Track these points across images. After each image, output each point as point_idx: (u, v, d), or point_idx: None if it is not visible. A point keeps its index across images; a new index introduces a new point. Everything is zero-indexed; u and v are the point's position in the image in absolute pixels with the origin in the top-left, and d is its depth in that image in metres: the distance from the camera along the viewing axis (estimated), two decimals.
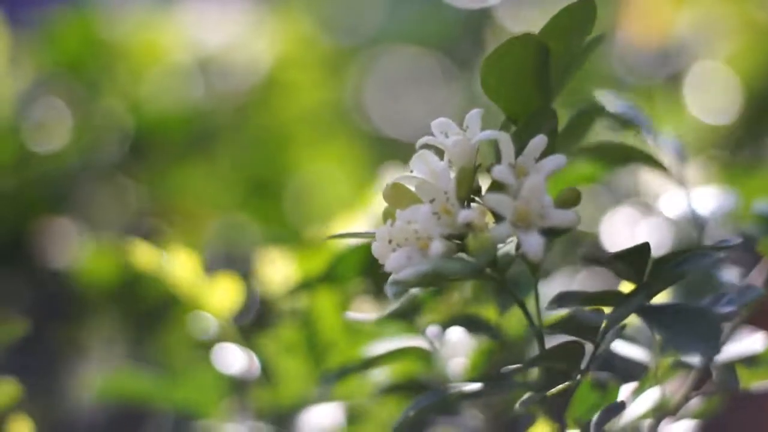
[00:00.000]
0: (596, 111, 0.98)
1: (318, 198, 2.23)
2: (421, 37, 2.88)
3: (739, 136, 2.06)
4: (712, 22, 2.26)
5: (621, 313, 0.81)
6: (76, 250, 1.88)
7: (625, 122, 1.03)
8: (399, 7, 2.97)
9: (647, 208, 1.45)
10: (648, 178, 1.51)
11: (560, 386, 0.83)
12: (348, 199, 2.24)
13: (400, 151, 2.65)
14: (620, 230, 1.38)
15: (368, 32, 2.87)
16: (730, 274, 1.01)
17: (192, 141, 2.14)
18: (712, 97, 2.12)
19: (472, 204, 0.83)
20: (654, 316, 0.79)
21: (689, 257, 0.81)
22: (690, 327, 0.77)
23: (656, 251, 1.25)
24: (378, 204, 1.25)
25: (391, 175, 1.25)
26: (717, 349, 0.76)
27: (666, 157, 1.07)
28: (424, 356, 1.05)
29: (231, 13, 2.35)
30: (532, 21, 2.67)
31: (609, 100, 1.03)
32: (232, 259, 1.95)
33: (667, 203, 1.16)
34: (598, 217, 1.51)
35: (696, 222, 1.05)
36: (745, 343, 0.96)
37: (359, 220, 1.24)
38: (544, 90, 0.84)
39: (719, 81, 2.15)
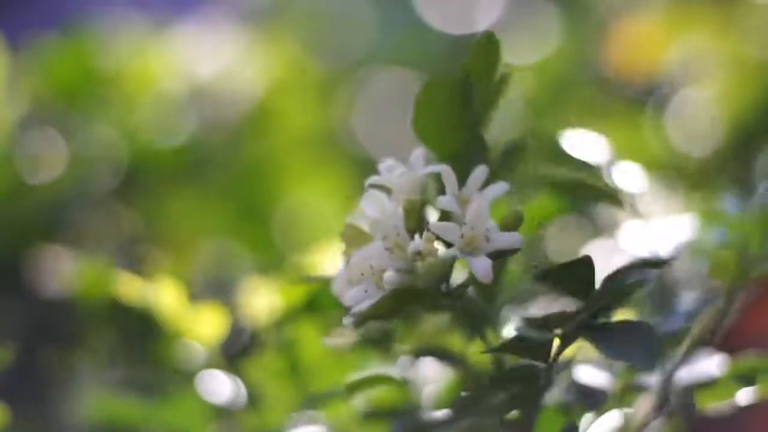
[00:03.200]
0: (524, 145, 1.02)
1: (307, 223, 2.26)
2: (408, 60, 2.91)
3: (720, 168, 2.09)
4: (701, 56, 2.29)
5: (568, 330, 0.84)
6: (70, 275, 1.90)
7: (581, 165, 1.07)
8: (386, 30, 3.01)
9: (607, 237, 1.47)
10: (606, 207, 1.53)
11: (520, 410, 0.86)
12: (337, 223, 2.28)
13: None
14: (598, 263, 1.40)
15: (356, 55, 2.91)
16: (690, 299, 1.04)
17: (184, 169, 2.17)
18: (695, 128, 2.15)
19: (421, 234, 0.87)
20: (596, 332, 0.83)
21: (629, 270, 0.85)
22: (630, 339, 0.81)
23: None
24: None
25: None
26: (656, 360, 0.80)
27: (627, 192, 1.10)
28: (399, 384, 1.09)
29: (222, 40, 2.39)
30: (517, 46, 2.71)
31: (570, 141, 1.06)
32: (220, 285, 1.98)
33: (625, 233, 1.19)
34: (577, 249, 1.53)
35: (654, 254, 1.08)
36: (702, 366, 0.99)
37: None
38: (469, 125, 0.88)
39: (704, 113, 2.18)
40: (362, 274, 0.85)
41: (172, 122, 2.17)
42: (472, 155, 0.88)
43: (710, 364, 0.99)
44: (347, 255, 0.88)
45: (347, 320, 0.85)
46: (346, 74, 2.78)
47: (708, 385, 0.98)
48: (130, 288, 1.25)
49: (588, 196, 1.09)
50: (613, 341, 0.81)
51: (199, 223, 2.18)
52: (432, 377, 1.13)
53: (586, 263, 0.84)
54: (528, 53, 2.64)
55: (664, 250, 1.08)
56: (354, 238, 0.88)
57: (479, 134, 0.89)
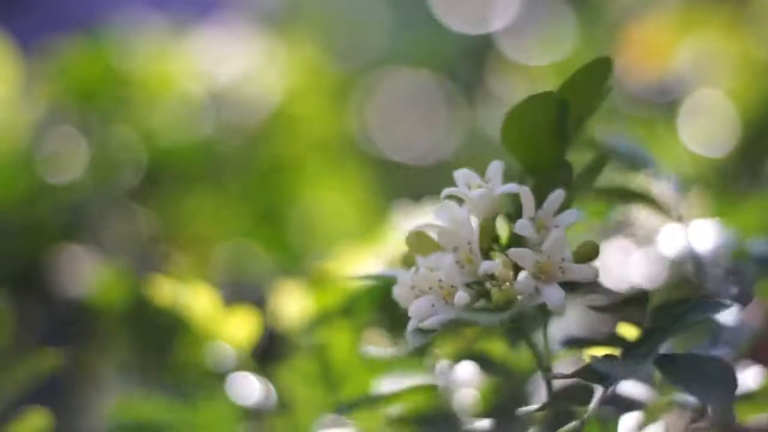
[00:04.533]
0: (608, 156, 1.03)
1: (324, 225, 2.27)
2: (423, 61, 2.92)
3: (735, 169, 2.10)
4: (711, 56, 2.30)
5: (635, 363, 0.84)
6: (90, 277, 1.91)
7: (632, 163, 1.08)
8: (402, 32, 3.02)
9: (641, 239, 1.48)
10: (641, 209, 1.55)
11: (568, 426, 0.87)
12: (353, 225, 2.29)
13: (404, 174, 2.70)
14: (614, 262, 1.41)
15: (372, 56, 2.92)
16: (725, 313, 1.05)
17: (202, 170, 2.18)
18: (708, 129, 2.15)
19: (491, 254, 0.87)
20: (670, 366, 0.82)
21: (692, 306, 0.85)
22: (708, 377, 0.80)
23: (651, 285, 1.30)
24: (390, 241, 1.30)
25: (406, 215, 1.30)
26: (734, 397, 0.79)
27: (665, 194, 1.11)
28: (433, 390, 1.09)
29: (241, 43, 2.39)
30: (531, 47, 2.72)
31: (616, 140, 1.07)
32: (240, 287, 1.99)
33: (665, 240, 1.20)
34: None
35: (693, 260, 1.09)
36: (740, 379, 0.99)
37: (372, 256, 1.29)
38: (561, 144, 0.88)
39: (716, 114, 2.18)
40: (430, 288, 0.85)
41: (191, 124, 2.18)
42: (557, 171, 0.88)
43: (747, 377, 0.99)
44: (410, 261, 0.88)
45: (411, 338, 0.84)
46: (363, 76, 2.79)
47: (745, 397, 0.98)
48: (161, 290, 1.26)
49: (630, 199, 1.10)
50: (690, 377, 0.81)
51: (217, 224, 2.19)
52: (464, 381, 1.13)
53: (644, 296, 0.86)
54: (543, 55, 2.65)
55: (706, 255, 1.09)
56: (421, 245, 0.87)
57: (565, 153, 0.89)
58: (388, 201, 2.29)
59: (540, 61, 2.63)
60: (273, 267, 2.12)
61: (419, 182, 2.65)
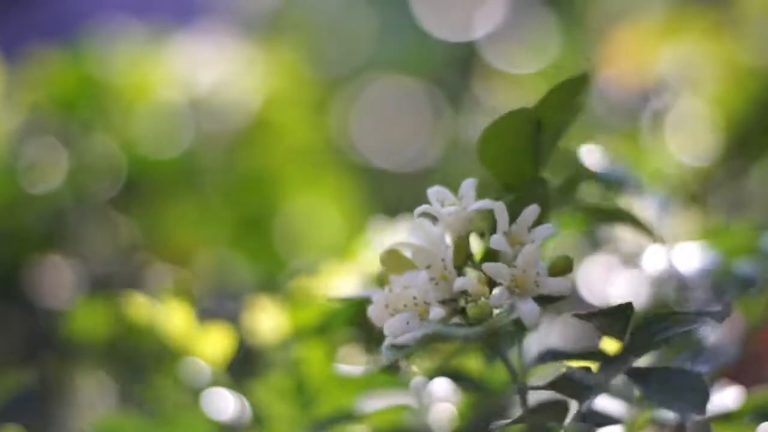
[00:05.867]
0: (583, 173, 1.03)
1: (307, 233, 2.27)
2: (407, 68, 2.93)
3: (720, 177, 2.10)
4: (694, 62, 2.30)
5: (609, 375, 0.84)
6: (68, 296, 1.91)
7: (611, 183, 1.07)
8: (386, 38, 3.02)
9: (624, 256, 1.48)
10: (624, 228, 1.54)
11: None
12: (337, 233, 2.29)
13: (388, 182, 2.70)
14: (597, 278, 1.41)
15: (356, 63, 2.92)
16: (705, 330, 1.04)
17: (183, 178, 2.17)
18: (692, 137, 2.15)
19: (465, 271, 0.87)
20: (643, 379, 0.83)
21: (673, 322, 0.85)
22: (680, 390, 0.80)
23: (634, 303, 1.29)
24: (365, 258, 1.30)
25: (382, 231, 1.30)
26: (705, 410, 0.79)
27: (647, 213, 1.11)
28: (409, 408, 1.09)
29: (221, 50, 2.39)
30: (515, 54, 2.72)
31: (595, 158, 1.07)
32: (220, 297, 1.98)
33: (648, 259, 1.19)
34: (575, 263, 1.54)
35: (677, 280, 1.08)
36: (720, 398, 0.99)
37: (348, 273, 1.28)
38: (537, 160, 0.89)
39: (700, 121, 2.18)
40: (405, 305, 0.85)
41: (170, 132, 2.18)
42: (533, 187, 0.88)
43: (727, 397, 0.99)
44: (384, 280, 0.88)
45: (386, 354, 0.83)
46: (346, 83, 2.79)
47: (724, 418, 0.98)
48: (137, 310, 1.25)
49: (613, 220, 1.10)
50: (663, 389, 0.81)
51: (198, 232, 2.18)
52: (440, 397, 1.13)
53: (627, 309, 0.85)
54: (527, 62, 2.66)
55: (689, 276, 1.09)
56: (394, 264, 0.88)
57: (541, 169, 0.89)
58: (372, 208, 2.30)
59: (524, 68, 2.63)
60: (254, 277, 2.11)
61: (403, 189, 2.65)
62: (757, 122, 2.19)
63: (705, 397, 0.80)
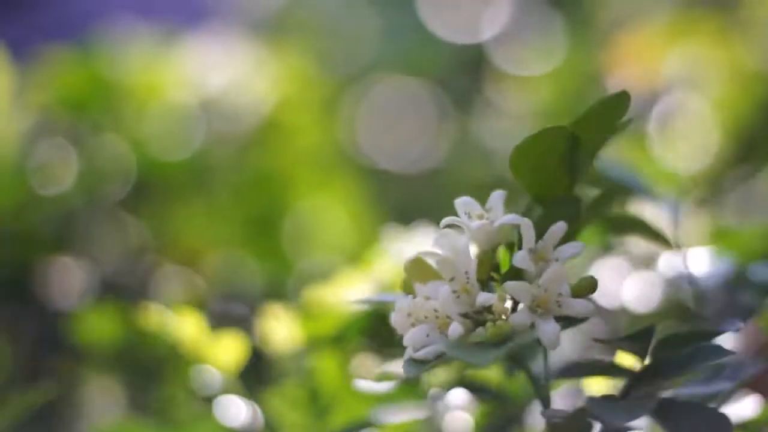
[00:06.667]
0: (615, 192, 1.03)
1: (316, 234, 2.27)
2: (413, 69, 2.93)
3: (728, 180, 2.10)
4: (701, 65, 2.30)
5: (632, 411, 0.83)
6: (76, 296, 1.91)
7: (626, 193, 1.08)
8: (392, 40, 3.02)
9: (636, 259, 1.48)
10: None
11: None
12: (345, 233, 2.30)
13: (395, 183, 2.71)
14: (608, 281, 1.42)
15: (362, 64, 2.92)
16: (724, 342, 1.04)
17: (193, 180, 2.18)
18: (700, 140, 2.16)
19: (491, 284, 0.87)
20: (668, 418, 0.82)
21: (697, 349, 0.85)
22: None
23: (645, 307, 1.29)
24: (380, 265, 1.31)
25: (396, 239, 1.30)
26: None
27: (661, 220, 1.11)
28: (425, 419, 1.10)
29: (231, 52, 2.39)
30: (522, 56, 2.72)
31: (613, 169, 1.07)
32: (231, 300, 1.99)
33: (662, 265, 1.20)
34: (586, 267, 1.55)
35: (691, 286, 1.09)
36: (737, 408, 1.00)
37: (362, 281, 1.29)
38: (570, 176, 0.88)
39: (707, 125, 2.19)
40: (426, 317, 0.84)
41: (181, 134, 2.18)
42: (565, 203, 0.88)
43: (744, 407, 0.99)
44: (408, 287, 0.87)
45: (406, 369, 0.83)
46: (353, 84, 2.79)
47: (741, 427, 0.98)
48: (149, 318, 1.26)
49: (628, 229, 1.10)
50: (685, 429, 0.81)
51: (208, 234, 2.18)
52: (457, 407, 1.13)
53: (649, 333, 0.85)
54: (534, 64, 2.66)
55: (704, 281, 1.09)
56: (419, 273, 0.87)
57: (574, 186, 0.88)
58: (380, 209, 2.30)
59: (531, 70, 2.64)
60: (263, 278, 2.12)
61: (410, 191, 2.65)
62: (764, 126, 2.19)
63: None
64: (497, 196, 0.88)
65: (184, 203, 2.17)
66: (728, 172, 2.13)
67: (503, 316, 0.83)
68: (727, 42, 2.34)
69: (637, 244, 1.60)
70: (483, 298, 0.83)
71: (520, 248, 0.85)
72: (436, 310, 0.84)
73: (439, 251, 0.86)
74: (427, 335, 0.84)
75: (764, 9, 2.39)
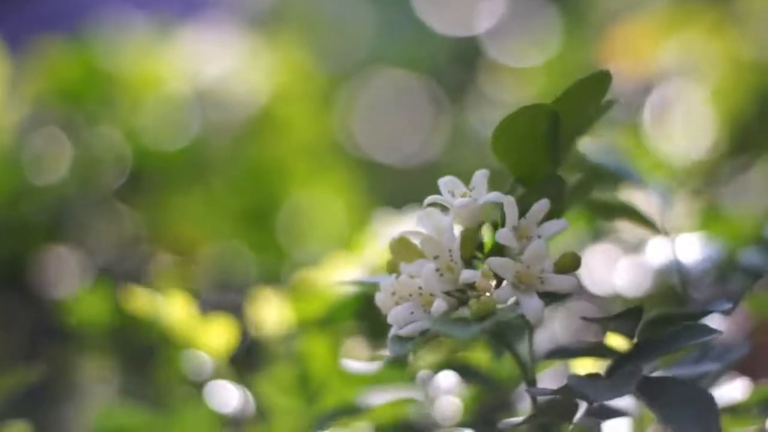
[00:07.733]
0: (596, 176, 1.03)
1: (311, 225, 2.28)
2: (408, 62, 2.93)
3: (722, 171, 2.10)
4: (697, 56, 2.30)
5: (617, 387, 0.83)
6: (71, 286, 1.91)
7: (616, 178, 1.08)
8: (388, 33, 3.02)
9: (626, 245, 1.48)
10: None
11: None
12: (340, 225, 2.30)
13: (390, 176, 2.71)
14: (598, 267, 1.42)
15: (358, 57, 2.92)
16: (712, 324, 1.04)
17: (188, 170, 2.18)
18: (694, 131, 2.16)
19: (474, 262, 0.87)
20: (652, 394, 0.82)
21: (684, 328, 0.85)
22: (689, 410, 0.80)
23: (635, 292, 1.29)
24: (371, 248, 1.31)
25: (388, 223, 1.30)
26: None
27: (650, 206, 1.11)
28: (414, 401, 1.10)
29: (226, 43, 2.39)
30: (516, 49, 2.72)
31: (601, 155, 1.07)
32: (224, 289, 1.99)
33: (651, 250, 1.20)
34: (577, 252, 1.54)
35: (679, 271, 1.09)
36: (726, 391, 1.00)
37: (353, 264, 1.29)
38: (552, 156, 0.88)
39: (702, 115, 2.19)
40: (410, 295, 0.85)
41: (176, 124, 2.18)
42: (547, 183, 0.88)
43: (734, 390, 0.99)
44: (393, 267, 0.87)
45: (391, 347, 0.83)
46: (349, 77, 2.79)
47: (731, 410, 0.98)
48: (138, 302, 1.26)
49: (617, 215, 1.10)
50: (671, 408, 0.80)
51: (203, 224, 2.19)
52: (446, 390, 1.13)
53: (637, 313, 0.85)
54: (529, 56, 2.66)
55: (693, 267, 1.09)
56: (403, 252, 0.87)
57: (557, 166, 0.88)
58: (375, 202, 2.30)
59: (526, 62, 2.64)
60: (258, 268, 2.12)
61: (405, 183, 2.65)
62: (759, 117, 2.20)
63: (714, 422, 0.79)
64: (481, 175, 0.88)
65: (178, 194, 2.18)
66: (724, 162, 2.14)
67: (487, 293, 0.83)
68: (723, 33, 2.34)
69: (629, 230, 1.60)
70: (466, 275, 0.83)
71: (503, 227, 0.85)
72: (420, 288, 0.84)
73: (422, 230, 0.86)
74: (411, 312, 0.84)
75: (759, 0, 2.39)
